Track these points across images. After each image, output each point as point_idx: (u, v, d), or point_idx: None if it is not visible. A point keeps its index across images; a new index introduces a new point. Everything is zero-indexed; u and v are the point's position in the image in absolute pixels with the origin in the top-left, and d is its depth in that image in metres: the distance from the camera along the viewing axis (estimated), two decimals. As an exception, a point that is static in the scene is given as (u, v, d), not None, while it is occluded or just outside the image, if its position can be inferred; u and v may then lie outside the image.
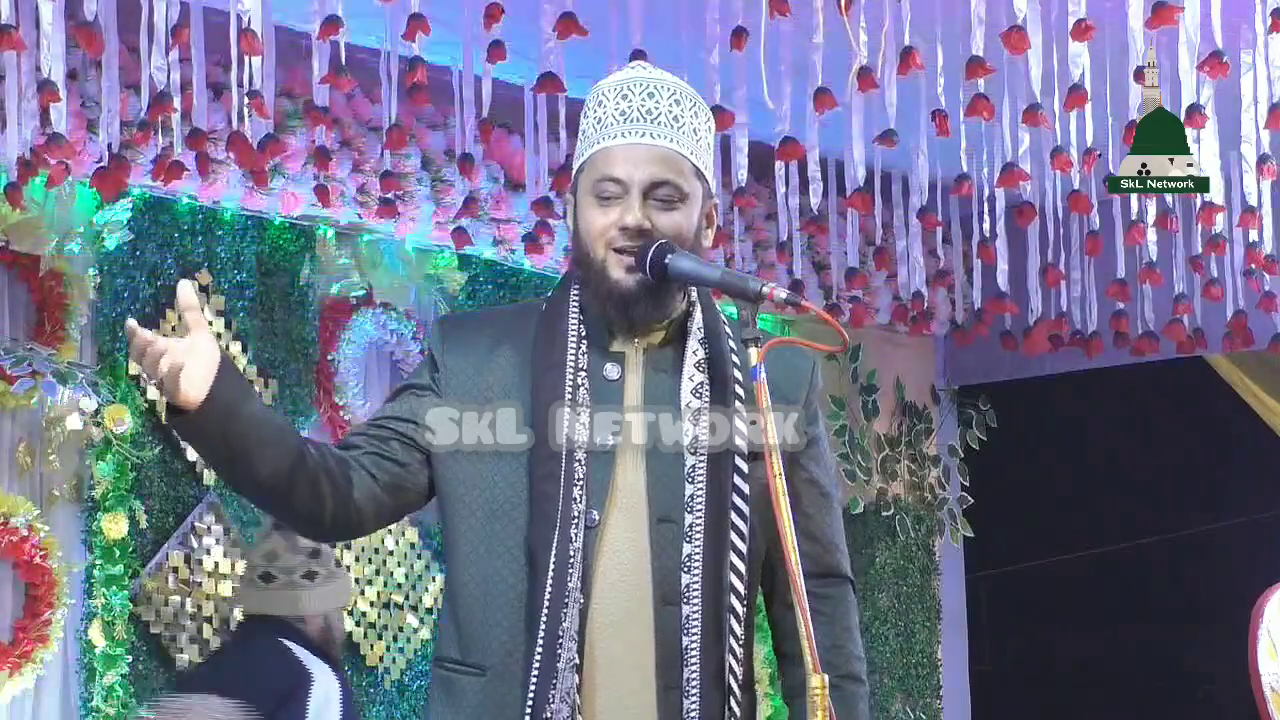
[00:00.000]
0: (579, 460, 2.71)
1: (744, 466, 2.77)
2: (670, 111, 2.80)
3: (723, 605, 2.75)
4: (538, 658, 2.66)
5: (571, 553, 2.67)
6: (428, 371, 2.81)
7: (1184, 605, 8.24)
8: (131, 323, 2.52)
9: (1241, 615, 5.72)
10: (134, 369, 5.53)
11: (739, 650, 2.78)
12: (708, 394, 2.79)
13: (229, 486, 2.76)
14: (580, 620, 2.68)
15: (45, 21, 4.19)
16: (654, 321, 2.81)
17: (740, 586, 2.77)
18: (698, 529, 2.74)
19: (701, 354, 2.82)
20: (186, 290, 2.54)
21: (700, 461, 2.76)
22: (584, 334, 2.79)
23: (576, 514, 2.69)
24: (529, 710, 2.65)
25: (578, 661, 2.68)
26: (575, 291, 2.82)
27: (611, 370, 2.78)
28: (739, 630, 2.77)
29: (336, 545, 5.10)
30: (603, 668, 2.70)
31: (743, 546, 2.77)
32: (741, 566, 2.77)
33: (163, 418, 2.54)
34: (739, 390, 2.79)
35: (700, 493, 2.75)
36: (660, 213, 2.76)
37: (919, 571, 7.70)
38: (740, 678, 2.78)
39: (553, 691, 2.65)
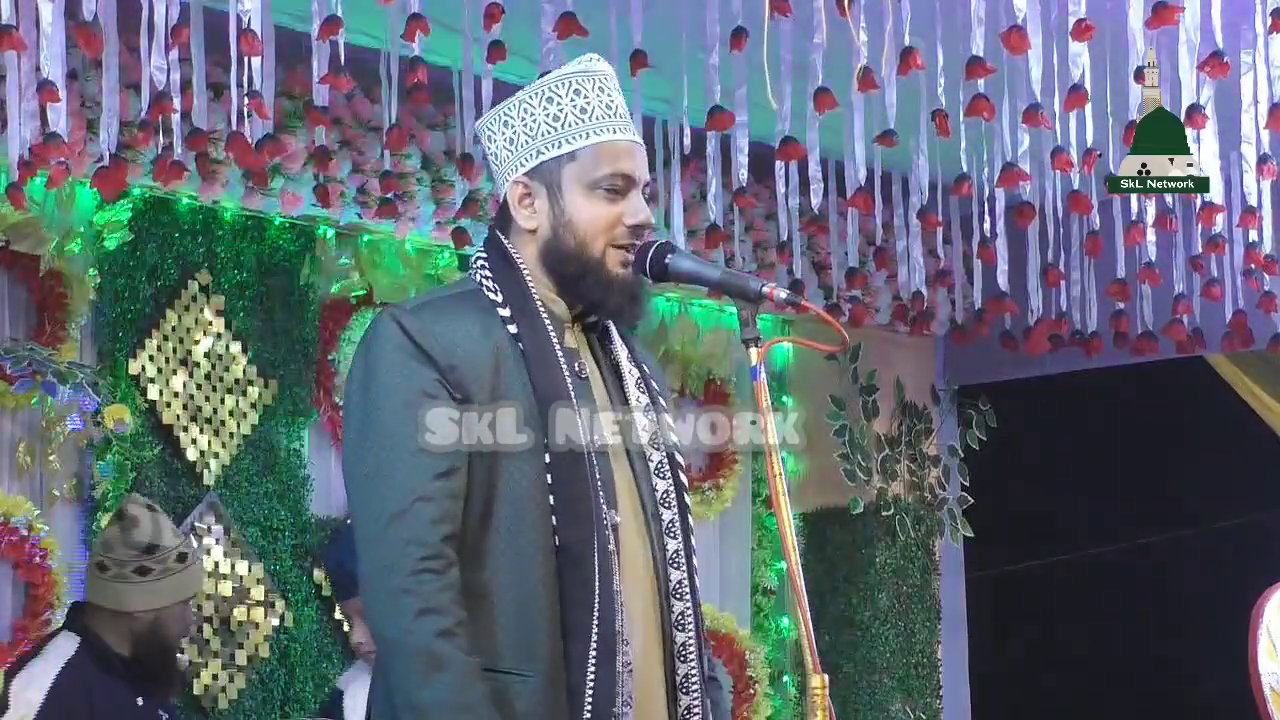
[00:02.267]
0: (593, 460, 2.70)
1: (682, 461, 2.80)
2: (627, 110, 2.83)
3: (698, 601, 2.77)
4: (593, 661, 2.61)
5: (611, 553, 2.66)
6: (430, 375, 2.65)
7: (1184, 605, 8.23)
8: None
9: (1241, 615, 5.71)
10: (134, 369, 5.54)
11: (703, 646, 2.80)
12: (645, 390, 2.81)
13: None
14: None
15: (45, 21, 4.18)
16: (641, 318, 2.83)
17: (698, 582, 2.79)
18: (676, 524, 2.76)
19: (626, 350, 2.84)
20: None
21: (663, 457, 2.78)
22: (551, 329, 2.76)
23: (605, 515, 2.67)
24: (588, 716, 2.60)
25: (631, 665, 2.67)
26: (531, 282, 2.77)
27: (580, 367, 2.77)
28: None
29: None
30: (634, 669, 2.69)
31: (694, 543, 2.80)
32: (696, 562, 2.79)
33: None
34: (655, 385, 2.85)
35: (671, 488, 2.77)
36: None
37: (919, 571, 7.70)
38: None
39: (617, 695, 2.63)
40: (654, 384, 2.86)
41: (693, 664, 2.74)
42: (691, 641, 2.74)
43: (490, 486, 2.65)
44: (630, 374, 2.81)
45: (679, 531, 2.76)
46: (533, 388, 2.68)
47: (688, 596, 2.74)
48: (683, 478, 2.80)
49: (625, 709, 2.63)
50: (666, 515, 2.75)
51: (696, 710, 2.73)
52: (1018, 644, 8.47)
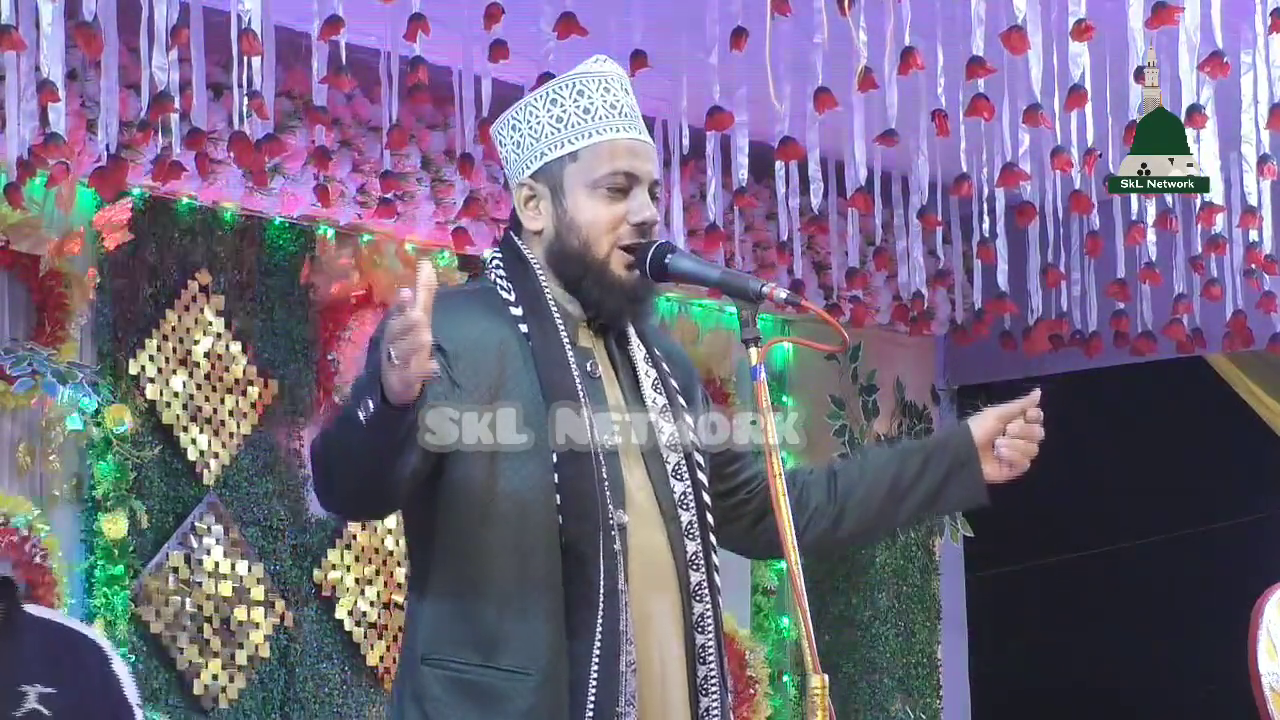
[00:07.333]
0: (601, 460, 2.69)
1: (703, 462, 2.79)
2: (639, 110, 2.83)
3: (718, 603, 2.77)
4: (596, 660, 2.61)
5: (616, 553, 2.66)
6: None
7: (1184, 605, 8.23)
8: (408, 293, 2.37)
9: (1241, 615, 5.71)
10: (134, 369, 5.54)
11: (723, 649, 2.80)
12: (663, 391, 2.80)
13: (373, 477, 2.54)
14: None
15: (45, 21, 4.19)
16: (644, 319, 2.83)
17: (719, 582, 2.79)
18: (695, 526, 2.76)
19: (644, 351, 2.83)
20: (428, 270, 2.42)
21: (681, 458, 2.77)
22: (564, 329, 2.76)
23: (611, 514, 2.67)
24: (590, 714, 2.60)
25: (636, 664, 2.67)
26: (544, 282, 2.77)
27: (593, 368, 2.76)
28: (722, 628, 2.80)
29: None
30: (644, 669, 2.69)
31: (715, 542, 2.79)
32: (717, 561, 2.79)
33: (371, 406, 2.36)
34: (675, 384, 2.84)
35: (689, 489, 2.76)
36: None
37: (919, 571, 7.70)
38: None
39: (620, 694, 2.62)
40: (674, 384, 2.84)
41: (712, 666, 2.74)
42: (711, 643, 2.74)
43: (490, 483, 2.65)
44: (647, 375, 2.80)
45: (698, 533, 2.76)
46: (540, 387, 2.68)
47: (707, 598, 2.74)
48: (703, 479, 2.79)
49: (629, 708, 2.64)
50: (684, 517, 2.75)
51: (716, 711, 2.74)
52: (1018, 644, 8.47)
